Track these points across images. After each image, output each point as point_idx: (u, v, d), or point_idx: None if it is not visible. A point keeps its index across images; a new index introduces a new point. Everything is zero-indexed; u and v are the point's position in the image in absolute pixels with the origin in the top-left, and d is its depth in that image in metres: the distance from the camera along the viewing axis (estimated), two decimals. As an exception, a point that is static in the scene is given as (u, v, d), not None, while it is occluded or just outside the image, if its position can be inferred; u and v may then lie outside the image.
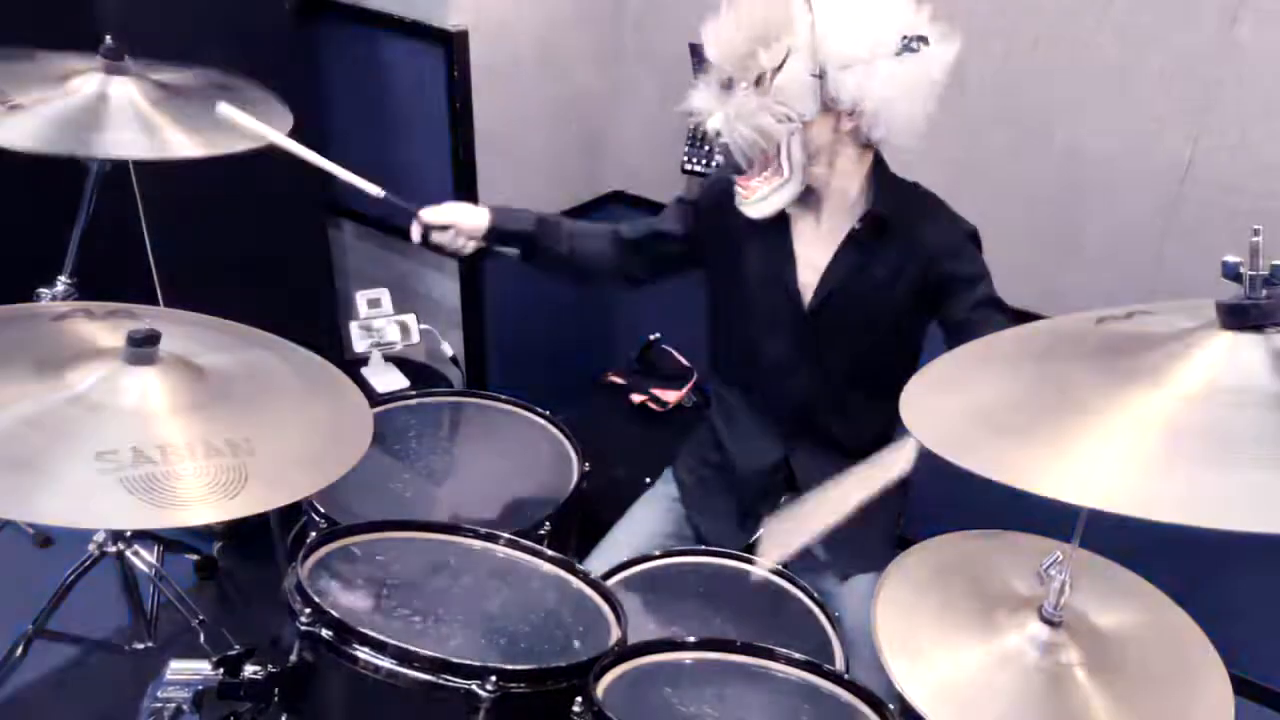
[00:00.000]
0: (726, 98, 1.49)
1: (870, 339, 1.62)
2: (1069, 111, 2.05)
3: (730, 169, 1.60)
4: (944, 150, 1.96)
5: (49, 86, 1.60)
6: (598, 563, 1.69)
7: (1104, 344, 1.03)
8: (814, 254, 1.61)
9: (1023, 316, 2.16)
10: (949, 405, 1.08)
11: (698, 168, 2.41)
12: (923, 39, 1.43)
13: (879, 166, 1.58)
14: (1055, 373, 1.01)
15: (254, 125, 1.61)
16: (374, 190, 1.68)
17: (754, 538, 1.75)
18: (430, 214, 1.69)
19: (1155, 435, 0.88)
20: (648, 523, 1.79)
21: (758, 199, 1.54)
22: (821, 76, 1.44)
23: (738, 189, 1.57)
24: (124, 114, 1.60)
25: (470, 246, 1.72)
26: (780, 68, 1.44)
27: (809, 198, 1.58)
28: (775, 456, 1.72)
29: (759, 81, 1.45)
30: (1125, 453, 0.88)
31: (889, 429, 1.67)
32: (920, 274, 1.56)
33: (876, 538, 1.70)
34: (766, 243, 1.64)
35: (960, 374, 1.16)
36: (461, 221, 1.70)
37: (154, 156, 1.58)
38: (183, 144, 1.59)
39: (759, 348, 1.69)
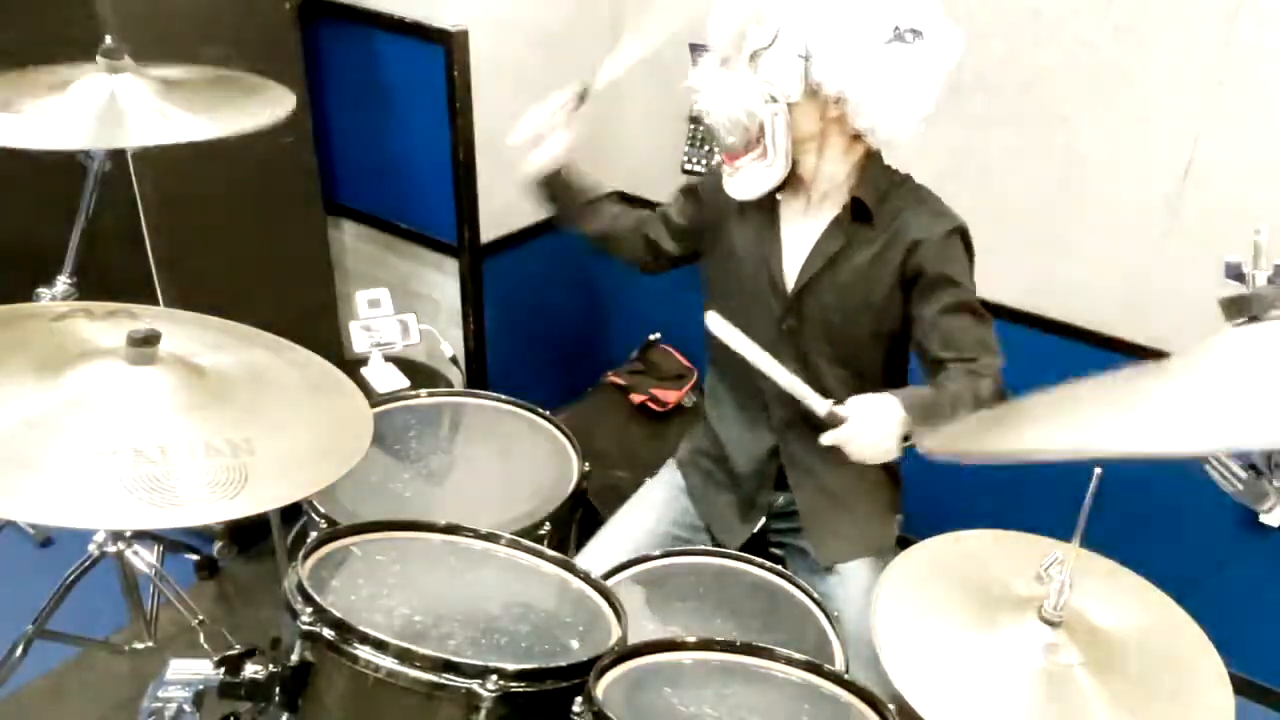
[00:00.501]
0: (721, 75, 1.50)
1: (853, 324, 1.62)
2: (1069, 111, 2.05)
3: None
4: (944, 150, 1.96)
5: (51, 93, 1.60)
6: (601, 552, 1.70)
7: None
8: (799, 239, 1.62)
9: (1020, 315, 2.19)
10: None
11: (698, 168, 2.42)
12: (916, 32, 1.43)
13: (870, 158, 1.58)
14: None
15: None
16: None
17: (756, 527, 1.76)
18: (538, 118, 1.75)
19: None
20: (653, 510, 1.80)
21: (741, 178, 1.56)
22: (807, 59, 1.44)
23: (723, 167, 1.58)
24: (133, 105, 1.60)
25: (537, 164, 1.75)
26: (769, 46, 1.45)
27: (797, 184, 1.59)
28: (767, 445, 1.73)
29: (752, 60, 1.47)
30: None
31: None
32: (900, 262, 1.56)
33: (860, 526, 1.71)
34: (755, 227, 1.65)
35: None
36: (550, 144, 1.74)
37: (171, 140, 1.57)
38: (198, 126, 1.59)
39: (748, 333, 1.69)
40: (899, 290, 1.57)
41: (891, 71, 1.43)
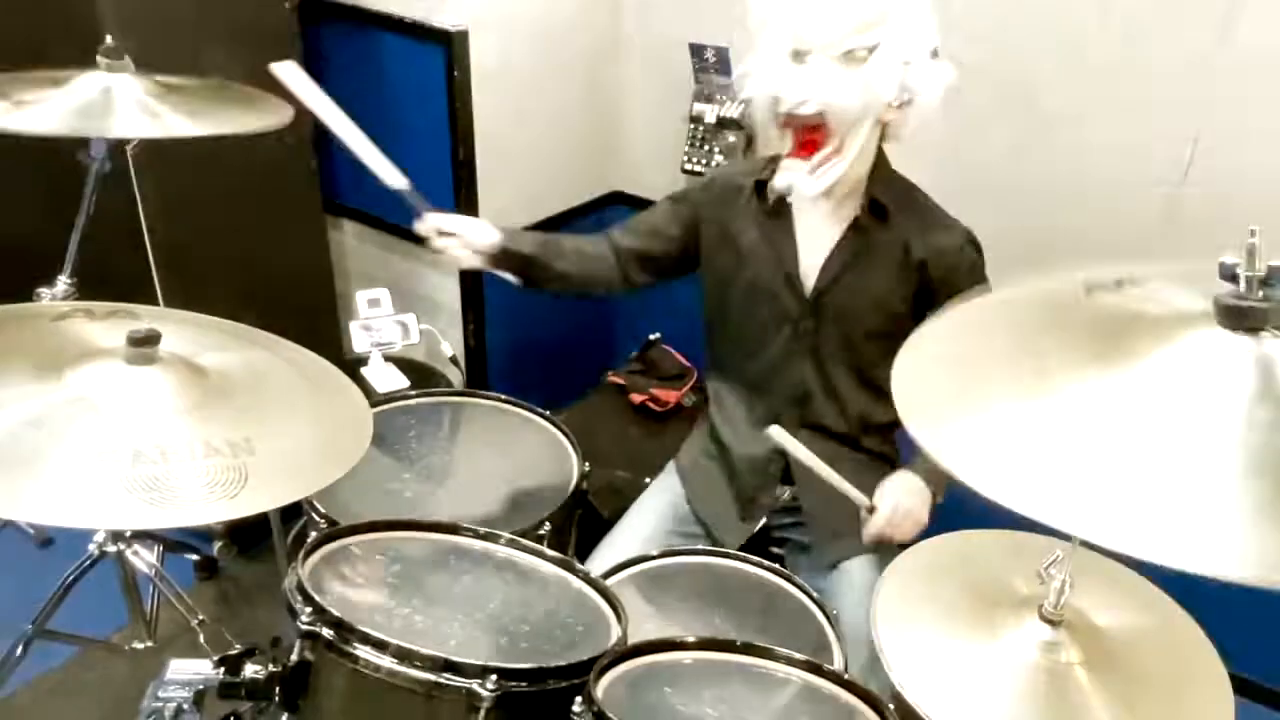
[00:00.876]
0: (795, 70, 1.48)
1: (868, 328, 1.62)
2: (1069, 111, 2.05)
3: (734, 164, 1.60)
4: (944, 150, 1.96)
5: (51, 87, 1.61)
6: (603, 558, 1.70)
7: (1093, 328, 0.99)
8: (818, 239, 1.62)
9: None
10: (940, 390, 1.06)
11: (698, 168, 2.41)
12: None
13: (881, 156, 1.60)
14: (1050, 371, 0.98)
15: (306, 95, 1.65)
16: (397, 181, 1.68)
17: (757, 527, 1.76)
18: (439, 218, 1.69)
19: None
20: (653, 516, 1.80)
21: (816, 174, 1.53)
22: (908, 64, 1.47)
23: (793, 162, 1.54)
24: (128, 100, 1.62)
25: (471, 260, 1.69)
26: (875, 49, 1.46)
27: None
28: (772, 446, 1.72)
29: (848, 58, 1.46)
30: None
31: (874, 414, 1.71)
32: (916, 272, 1.58)
33: (861, 524, 1.71)
34: (765, 228, 1.65)
35: (954, 353, 1.12)
36: (468, 234, 1.68)
37: (160, 135, 1.60)
38: (187, 126, 1.61)
39: (759, 338, 1.69)
40: (915, 299, 1.60)
41: (941, 81, 1.50)
